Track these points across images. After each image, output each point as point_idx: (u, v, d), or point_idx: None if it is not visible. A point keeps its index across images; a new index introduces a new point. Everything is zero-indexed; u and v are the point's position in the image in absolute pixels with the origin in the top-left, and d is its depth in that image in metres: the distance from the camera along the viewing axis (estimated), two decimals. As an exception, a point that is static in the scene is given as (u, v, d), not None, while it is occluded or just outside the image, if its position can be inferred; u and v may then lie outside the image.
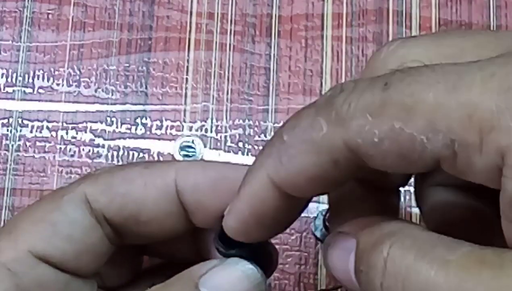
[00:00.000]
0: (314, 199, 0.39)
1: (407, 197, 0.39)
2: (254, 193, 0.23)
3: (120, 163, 0.39)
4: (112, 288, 0.28)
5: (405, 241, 0.20)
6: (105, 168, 0.28)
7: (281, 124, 0.39)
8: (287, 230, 0.38)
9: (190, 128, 0.40)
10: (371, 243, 0.21)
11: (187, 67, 0.41)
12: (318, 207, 0.39)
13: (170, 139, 0.39)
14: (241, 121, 0.40)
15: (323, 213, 0.37)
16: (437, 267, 0.19)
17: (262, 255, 0.25)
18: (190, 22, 0.42)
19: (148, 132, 0.40)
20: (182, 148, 0.38)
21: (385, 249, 0.20)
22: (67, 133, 0.40)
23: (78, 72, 0.41)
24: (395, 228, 0.21)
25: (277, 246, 0.38)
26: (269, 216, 0.23)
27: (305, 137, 0.21)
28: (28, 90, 0.41)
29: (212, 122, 0.40)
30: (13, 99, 0.40)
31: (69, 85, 0.41)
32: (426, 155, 0.19)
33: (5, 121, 0.40)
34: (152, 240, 0.27)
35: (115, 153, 0.39)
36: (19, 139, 0.40)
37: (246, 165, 0.25)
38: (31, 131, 0.40)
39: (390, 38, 0.42)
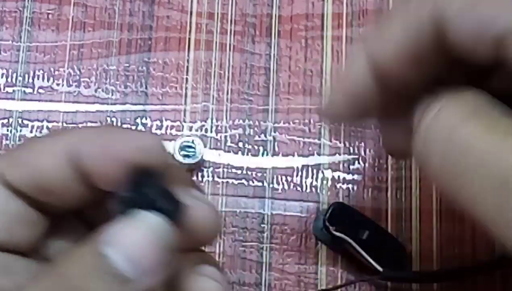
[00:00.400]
0: (314, 198, 0.39)
1: (407, 197, 0.39)
2: (352, 71, 0.27)
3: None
4: None
5: (456, 104, 0.23)
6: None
7: (281, 124, 0.40)
8: (287, 230, 0.38)
9: (190, 128, 0.40)
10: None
11: (187, 67, 0.41)
12: (318, 206, 0.39)
13: (170, 140, 0.39)
14: (241, 121, 0.40)
15: (323, 213, 0.37)
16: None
17: (166, 201, 0.23)
18: (190, 22, 0.42)
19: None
20: (182, 148, 0.38)
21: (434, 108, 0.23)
22: (67, 133, 0.40)
23: (78, 72, 0.41)
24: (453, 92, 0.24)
25: (277, 246, 0.38)
26: (362, 98, 0.27)
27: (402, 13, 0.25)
28: (28, 90, 0.41)
29: (212, 122, 0.40)
30: (13, 99, 0.40)
31: (69, 85, 0.41)
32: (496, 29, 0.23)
33: (5, 121, 0.40)
34: (68, 209, 0.26)
35: (115, 153, 0.39)
36: (19, 140, 0.40)
37: (138, 131, 0.25)
38: (31, 131, 0.40)
39: (390, 38, 0.42)
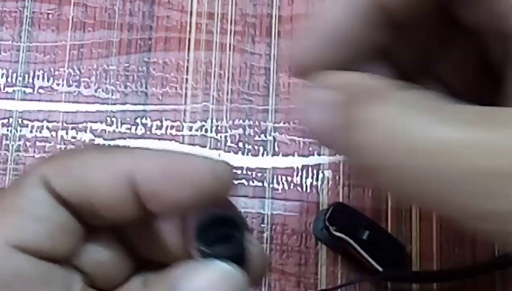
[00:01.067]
0: (314, 198, 0.39)
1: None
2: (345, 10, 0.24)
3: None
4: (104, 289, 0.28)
5: (403, 98, 0.20)
6: (66, 150, 0.28)
7: (281, 124, 0.40)
8: (287, 230, 0.38)
9: (190, 128, 0.40)
10: (360, 97, 0.21)
11: (187, 67, 0.41)
12: (318, 207, 0.39)
13: (170, 140, 0.39)
14: (241, 121, 0.40)
15: (323, 213, 0.37)
16: (441, 125, 0.19)
17: (242, 255, 0.25)
18: (190, 22, 0.42)
19: (148, 132, 0.40)
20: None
21: (378, 104, 0.20)
22: (67, 133, 0.40)
23: (78, 72, 0.41)
24: (389, 85, 0.21)
25: (277, 246, 0.38)
26: (353, 37, 0.24)
27: None
28: (28, 90, 0.41)
29: (212, 122, 0.40)
30: (13, 99, 0.40)
31: (69, 85, 0.41)
32: None
33: (5, 121, 0.40)
34: (111, 224, 0.26)
35: (115, 153, 0.39)
36: (19, 139, 0.40)
37: (200, 155, 0.25)
38: (31, 131, 0.40)
39: (390, 38, 0.42)
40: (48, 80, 0.41)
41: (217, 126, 0.40)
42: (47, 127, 0.40)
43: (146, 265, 0.28)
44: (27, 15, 0.41)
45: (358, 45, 0.25)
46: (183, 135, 0.40)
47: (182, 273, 0.24)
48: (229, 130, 0.40)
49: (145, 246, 0.27)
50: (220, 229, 0.25)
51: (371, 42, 0.25)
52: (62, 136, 0.40)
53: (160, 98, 0.40)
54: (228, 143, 0.40)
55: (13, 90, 0.41)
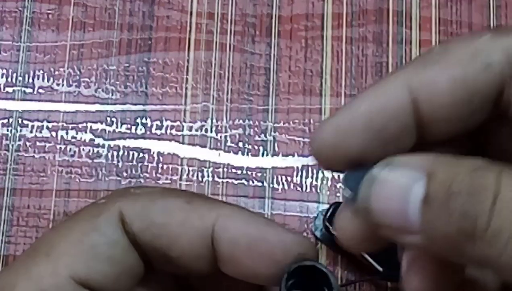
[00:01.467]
0: (314, 198, 0.39)
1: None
2: (382, 93, 0.22)
3: (120, 163, 0.39)
4: None
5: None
6: (146, 187, 0.27)
7: (281, 124, 0.40)
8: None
9: (190, 128, 0.40)
10: (459, 173, 0.19)
11: (187, 67, 0.41)
12: (318, 206, 0.39)
13: (170, 140, 0.39)
14: (241, 121, 0.40)
15: (323, 213, 0.37)
16: None
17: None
18: (190, 22, 0.41)
19: (148, 132, 0.40)
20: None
21: (492, 177, 0.19)
22: (67, 133, 0.40)
23: (78, 72, 0.41)
24: (485, 162, 0.20)
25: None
26: (385, 124, 0.21)
27: (463, 41, 0.22)
28: (28, 90, 0.41)
29: (212, 122, 0.40)
30: (13, 99, 0.40)
31: (69, 85, 0.41)
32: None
33: (5, 121, 0.40)
34: (181, 274, 0.26)
35: (115, 153, 0.39)
36: (19, 139, 0.40)
37: (288, 230, 0.24)
38: (31, 131, 0.40)
39: (390, 38, 0.42)
40: (48, 80, 0.41)
41: (217, 126, 0.40)
42: (47, 127, 0.40)
43: None
44: (27, 15, 0.41)
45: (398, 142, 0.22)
46: (183, 135, 0.40)
47: None
48: (229, 130, 0.40)
49: (202, 282, 0.27)
50: (306, 277, 0.24)
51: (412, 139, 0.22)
52: (62, 136, 0.40)
53: (160, 98, 0.40)
54: (228, 143, 0.40)
55: (13, 90, 0.41)
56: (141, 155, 0.39)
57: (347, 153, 0.22)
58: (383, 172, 0.21)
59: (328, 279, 0.24)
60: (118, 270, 0.24)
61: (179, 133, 0.40)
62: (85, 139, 0.40)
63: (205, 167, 0.39)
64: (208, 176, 0.39)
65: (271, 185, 0.39)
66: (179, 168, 0.39)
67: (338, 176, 0.39)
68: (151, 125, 0.40)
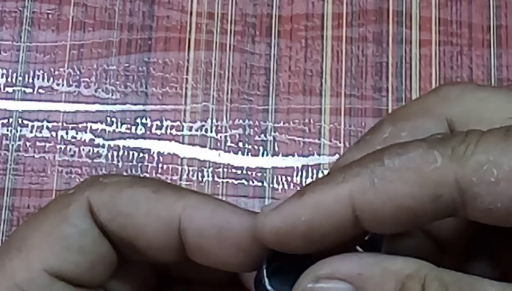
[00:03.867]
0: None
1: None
2: (324, 206, 0.22)
3: (120, 163, 0.39)
4: None
5: (443, 276, 0.20)
6: (115, 176, 0.27)
7: (281, 124, 0.40)
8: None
9: (190, 128, 0.40)
10: (388, 279, 0.20)
11: (187, 67, 0.41)
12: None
13: (170, 140, 0.39)
14: (241, 121, 0.40)
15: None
16: None
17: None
18: (190, 22, 0.42)
19: (148, 132, 0.40)
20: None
21: (417, 283, 0.20)
22: (67, 133, 0.40)
23: (78, 72, 0.41)
24: (417, 263, 0.21)
25: (277, 246, 0.38)
26: (326, 234, 0.22)
27: (412, 165, 0.21)
28: (28, 90, 0.41)
29: (212, 122, 0.40)
30: (13, 99, 0.40)
31: (69, 85, 0.41)
32: None
33: (5, 121, 0.40)
34: (150, 262, 0.26)
35: (115, 153, 0.39)
36: (19, 139, 0.40)
37: (254, 212, 0.24)
38: (31, 131, 0.40)
39: (390, 38, 0.42)
40: (48, 80, 0.41)
41: (217, 126, 0.40)
42: (47, 127, 0.40)
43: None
44: (27, 15, 0.41)
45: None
46: (183, 135, 0.40)
47: None
48: (229, 130, 0.40)
49: (180, 269, 0.27)
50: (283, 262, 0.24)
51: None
52: (62, 136, 0.40)
53: (160, 98, 0.40)
54: (228, 143, 0.40)
55: (13, 90, 0.41)
56: (141, 155, 0.39)
57: (287, 249, 0.22)
58: (309, 286, 0.21)
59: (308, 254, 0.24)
60: (91, 259, 0.24)
61: (179, 133, 0.40)
62: (85, 139, 0.40)
63: (205, 167, 0.39)
64: (208, 176, 0.39)
65: (271, 185, 0.39)
66: (179, 168, 0.39)
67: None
68: (151, 125, 0.40)
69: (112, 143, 0.39)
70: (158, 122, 0.40)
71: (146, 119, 0.40)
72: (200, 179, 0.39)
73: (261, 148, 0.40)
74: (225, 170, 0.39)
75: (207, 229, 0.24)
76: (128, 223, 0.24)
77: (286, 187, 0.39)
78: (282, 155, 0.40)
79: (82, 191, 0.25)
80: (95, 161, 0.39)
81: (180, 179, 0.39)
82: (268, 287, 0.23)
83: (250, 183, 0.39)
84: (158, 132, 0.40)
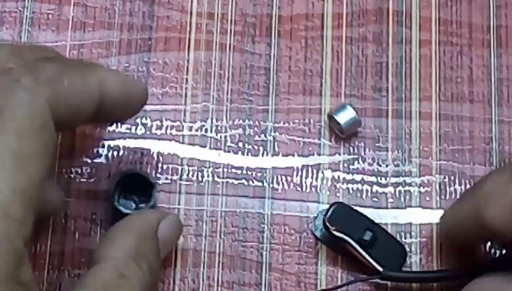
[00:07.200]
0: (314, 198, 0.39)
1: (407, 197, 0.39)
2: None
3: (120, 163, 0.39)
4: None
5: None
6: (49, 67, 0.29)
7: (281, 124, 0.40)
8: (287, 230, 0.38)
9: (190, 128, 0.40)
10: None
11: (187, 67, 0.41)
12: (318, 206, 0.39)
13: (170, 140, 0.39)
14: (241, 121, 0.40)
15: (323, 213, 0.37)
16: None
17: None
18: (190, 22, 0.42)
19: (148, 132, 0.40)
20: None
21: None
22: (67, 133, 0.40)
23: (78, 72, 0.41)
24: None
25: (277, 246, 0.38)
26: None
27: None
28: (28, 90, 0.40)
29: (212, 122, 0.40)
30: (13, 99, 0.40)
31: (69, 85, 0.40)
32: None
33: (5, 121, 0.40)
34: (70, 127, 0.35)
35: (115, 153, 0.39)
36: (19, 139, 0.40)
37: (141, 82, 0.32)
38: (31, 131, 0.40)
39: (390, 38, 0.42)
40: (48, 80, 0.41)
41: (217, 126, 0.40)
42: (47, 127, 0.40)
43: None
44: (27, 15, 0.41)
45: None
46: (183, 135, 0.40)
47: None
48: (229, 130, 0.40)
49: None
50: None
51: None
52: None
53: (160, 98, 0.40)
54: (228, 143, 0.40)
55: (13, 90, 0.40)
56: (141, 155, 0.39)
57: None
58: None
59: (151, 184, 0.37)
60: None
61: (179, 133, 0.40)
62: (85, 139, 0.40)
63: (205, 167, 0.39)
64: (208, 176, 0.39)
65: (271, 185, 0.39)
66: (179, 168, 0.39)
67: (338, 176, 0.39)
68: (151, 125, 0.40)
69: (112, 143, 0.39)
70: (158, 122, 0.40)
71: (146, 119, 0.40)
72: (200, 179, 0.39)
73: (261, 148, 0.40)
74: (225, 170, 0.39)
75: (118, 99, 0.31)
76: (69, 106, 0.29)
77: (286, 187, 0.39)
78: (282, 155, 0.40)
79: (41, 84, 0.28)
80: (95, 161, 0.39)
81: (180, 179, 0.39)
82: (116, 204, 0.36)
83: (250, 183, 0.39)
84: (158, 132, 0.40)
